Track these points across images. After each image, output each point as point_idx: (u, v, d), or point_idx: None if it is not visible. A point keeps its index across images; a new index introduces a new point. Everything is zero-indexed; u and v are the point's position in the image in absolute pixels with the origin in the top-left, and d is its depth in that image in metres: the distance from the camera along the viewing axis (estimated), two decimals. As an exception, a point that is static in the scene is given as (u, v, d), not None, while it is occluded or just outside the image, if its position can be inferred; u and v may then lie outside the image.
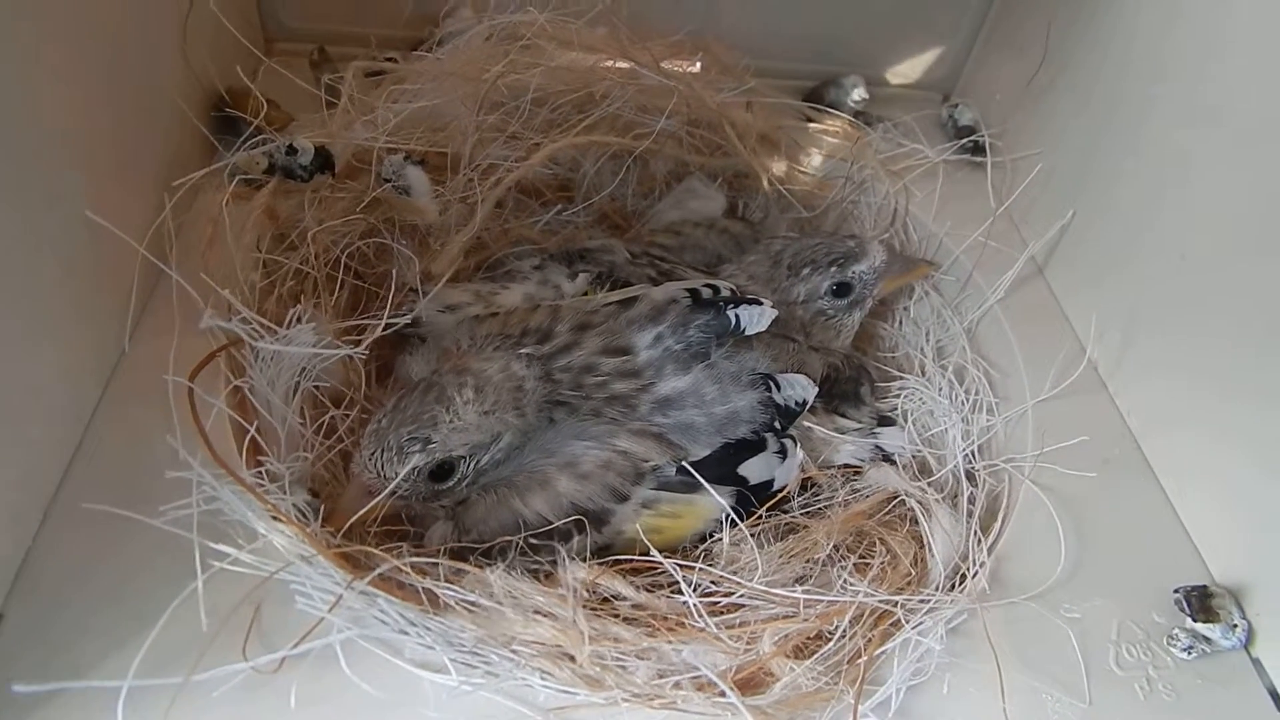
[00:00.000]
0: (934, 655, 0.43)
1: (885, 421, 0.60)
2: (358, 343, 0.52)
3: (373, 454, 0.46)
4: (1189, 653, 0.46)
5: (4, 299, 0.40)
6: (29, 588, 0.41)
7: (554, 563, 0.45)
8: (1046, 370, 0.58)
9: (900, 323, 0.70)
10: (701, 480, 0.48)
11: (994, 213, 0.65)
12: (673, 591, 0.45)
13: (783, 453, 0.52)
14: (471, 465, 0.48)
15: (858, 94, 0.79)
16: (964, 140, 0.75)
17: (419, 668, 0.39)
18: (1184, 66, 0.57)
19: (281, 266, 0.57)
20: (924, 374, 0.63)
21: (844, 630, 0.43)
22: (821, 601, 0.44)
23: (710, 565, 0.47)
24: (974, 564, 0.48)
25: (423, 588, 0.41)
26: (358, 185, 0.61)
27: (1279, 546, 0.48)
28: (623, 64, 0.68)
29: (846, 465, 0.57)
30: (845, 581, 0.46)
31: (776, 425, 0.52)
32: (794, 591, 0.45)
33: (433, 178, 0.63)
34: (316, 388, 0.53)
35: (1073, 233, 0.65)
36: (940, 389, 0.61)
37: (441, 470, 0.47)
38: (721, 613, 0.45)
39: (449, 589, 0.41)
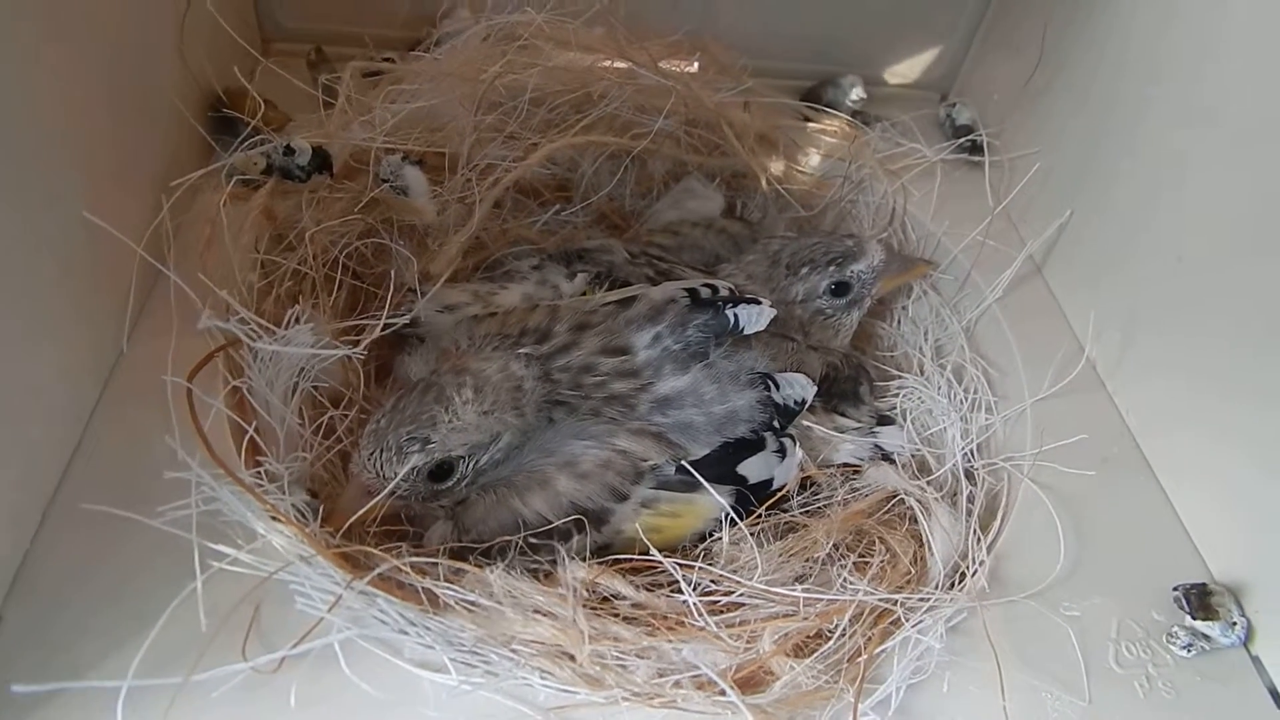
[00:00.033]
0: (934, 654, 0.43)
1: (884, 420, 0.61)
2: (356, 343, 0.51)
3: (372, 454, 0.46)
4: (1188, 650, 0.46)
5: (3, 299, 0.40)
6: (28, 588, 0.41)
7: (553, 562, 0.45)
8: (1045, 369, 0.58)
9: (899, 322, 0.70)
10: (701, 479, 0.48)
11: (992, 212, 0.65)
12: (672, 590, 0.45)
13: (782, 452, 0.52)
14: (471, 465, 0.47)
15: (856, 94, 0.79)
16: (962, 140, 0.75)
17: (419, 667, 0.39)
18: (1180, 67, 0.57)
19: (280, 267, 0.57)
20: (923, 373, 0.64)
21: (844, 629, 0.43)
22: (821, 600, 0.44)
23: (710, 564, 0.47)
24: (973, 562, 0.48)
25: (422, 587, 0.41)
26: (356, 185, 0.61)
27: (1278, 544, 0.48)
28: (620, 64, 0.68)
29: (846, 464, 0.57)
30: (845, 580, 0.46)
31: (775, 424, 0.52)
32: (794, 590, 0.45)
33: (431, 178, 0.63)
34: (315, 388, 0.52)
35: (1071, 232, 0.65)
36: (939, 388, 0.61)
37: (441, 470, 0.47)
38: (721, 612, 0.44)
39: (449, 589, 0.41)
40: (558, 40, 0.67)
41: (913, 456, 0.58)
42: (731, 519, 0.49)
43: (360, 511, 0.46)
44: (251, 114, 0.61)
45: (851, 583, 0.46)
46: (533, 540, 0.47)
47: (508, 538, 0.47)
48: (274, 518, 0.41)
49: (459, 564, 0.43)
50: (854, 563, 0.48)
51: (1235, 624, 0.47)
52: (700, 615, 0.43)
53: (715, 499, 0.48)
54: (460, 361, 0.50)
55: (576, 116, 0.67)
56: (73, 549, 0.42)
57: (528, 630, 0.40)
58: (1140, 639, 0.47)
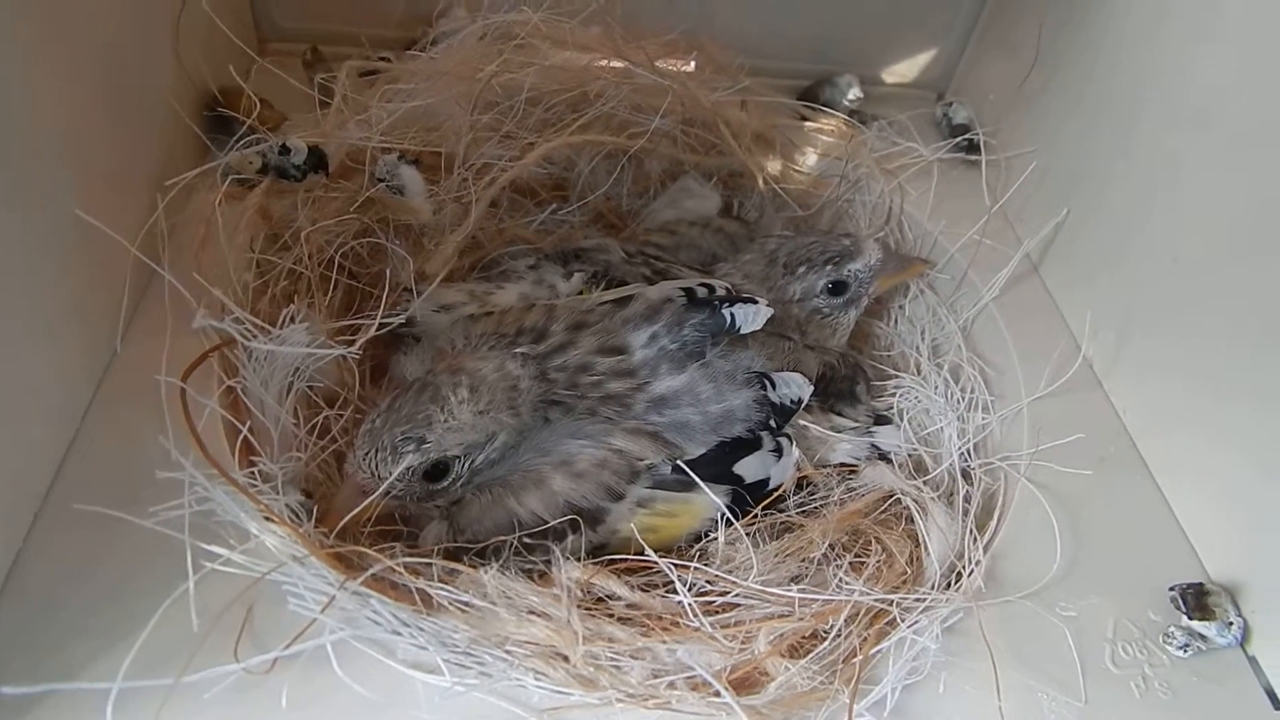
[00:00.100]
0: (929, 654, 0.43)
1: (881, 420, 0.60)
2: (351, 342, 0.51)
3: (367, 454, 0.46)
4: (1185, 650, 0.46)
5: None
6: (19, 589, 0.41)
7: (548, 562, 0.45)
8: (1042, 368, 0.58)
9: (896, 321, 0.70)
10: (697, 479, 0.48)
11: (989, 211, 0.65)
12: (668, 591, 0.45)
13: (778, 451, 0.52)
14: (466, 465, 0.47)
15: (853, 93, 0.79)
16: (959, 139, 0.75)
17: (412, 668, 0.39)
18: (1173, 69, 0.57)
19: (275, 266, 0.56)
20: (919, 372, 0.63)
21: (839, 629, 0.43)
22: (817, 600, 0.44)
23: (705, 564, 0.47)
24: (969, 562, 0.48)
25: (416, 588, 0.41)
26: (351, 185, 0.61)
27: (1275, 544, 0.48)
28: (617, 63, 0.68)
29: (842, 464, 0.57)
30: (841, 580, 0.46)
31: (772, 424, 0.52)
32: (789, 590, 0.45)
33: (427, 177, 0.63)
34: (310, 388, 0.52)
35: (1067, 230, 0.65)
36: (936, 387, 0.61)
37: (436, 470, 0.47)
38: (716, 612, 0.44)
39: (442, 589, 0.41)
40: (554, 39, 0.67)
41: (909, 456, 0.58)
42: (727, 519, 0.48)
43: (355, 511, 0.45)
44: (247, 113, 0.61)
45: (847, 583, 0.46)
46: (528, 540, 0.46)
47: (503, 538, 0.47)
48: (267, 518, 0.41)
49: (453, 564, 0.43)
50: (850, 563, 0.48)
51: (1232, 624, 0.47)
52: (695, 616, 0.42)
53: (711, 499, 0.48)
54: (456, 361, 0.50)
55: (573, 116, 0.67)
56: (65, 549, 0.42)
57: (521, 631, 0.40)
58: (1137, 639, 0.47)
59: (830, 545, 0.49)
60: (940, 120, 0.80)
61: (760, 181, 0.70)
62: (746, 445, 0.51)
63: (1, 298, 0.40)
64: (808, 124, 0.78)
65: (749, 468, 0.51)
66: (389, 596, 0.40)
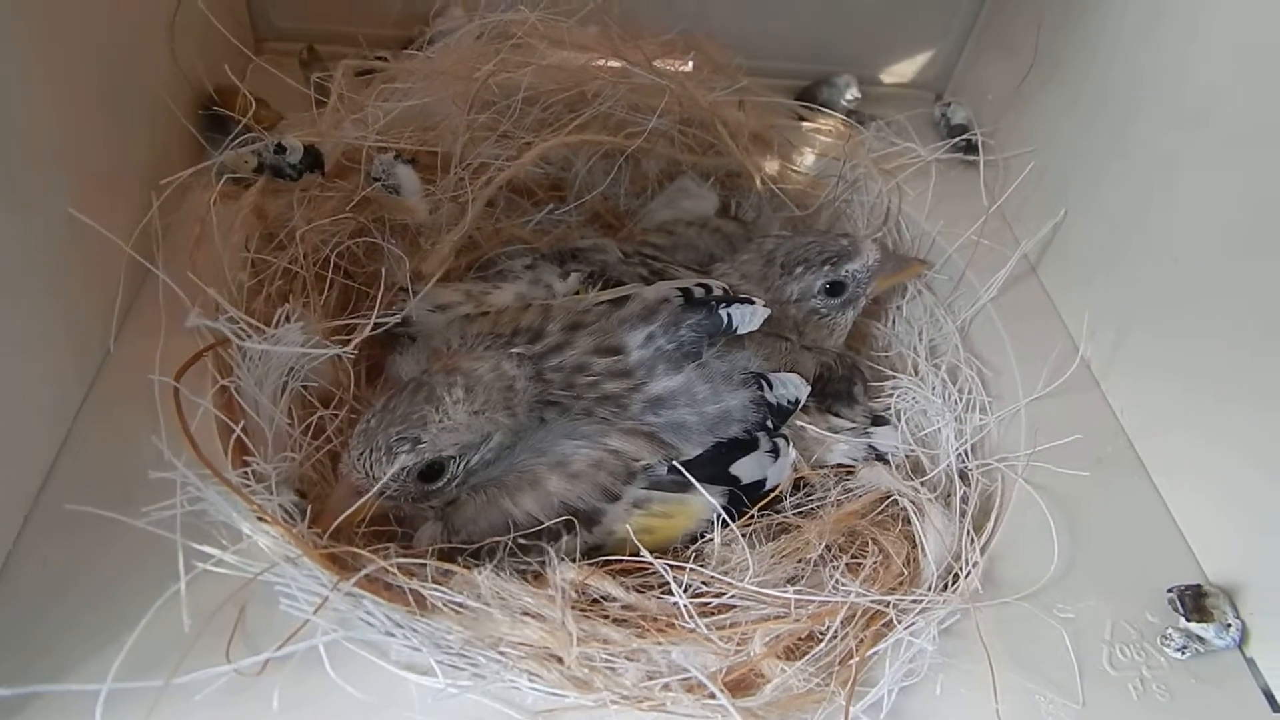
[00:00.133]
0: (926, 656, 0.43)
1: (878, 421, 0.60)
2: (346, 342, 0.51)
3: (361, 454, 0.46)
4: (1183, 652, 0.46)
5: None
6: (9, 590, 0.40)
7: (543, 563, 0.45)
8: (1039, 368, 0.58)
9: (893, 321, 0.69)
10: (693, 480, 0.48)
11: (986, 211, 0.65)
12: (663, 592, 0.45)
13: (775, 452, 0.52)
14: (461, 465, 0.47)
15: (850, 93, 0.78)
16: (956, 139, 0.75)
17: (405, 670, 0.39)
18: (1170, 69, 0.57)
19: (270, 266, 0.56)
20: (917, 373, 0.63)
21: (835, 631, 0.43)
22: (813, 602, 0.44)
23: (701, 565, 0.47)
24: (967, 564, 0.48)
25: (410, 589, 0.41)
26: (347, 184, 0.61)
27: (1273, 545, 0.47)
28: (614, 63, 0.68)
29: (839, 465, 0.56)
30: (837, 582, 0.46)
31: (769, 424, 0.52)
32: (785, 592, 0.44)
33: (423, 177, 0.62)
34: (305, 388, 0.52)
35: (1065, 231, 0.65)
36: (933, 388, 0.60)
37: (431, 470, 0.47)
38: (712, 613, 0.44)
39: (436, 590, 0.41)
40: (551, 39, 0.67)
41: (906, 457, 0.58)
42: (724, 520, 0.48)
43: (349, 512, 0.45)
44: (243, 112, 0.60)
45: (844, 584, 0.46)
46: (523, 541, 0.46)
47: (498, 539, 0.46)
48: (260, 518, 0.41)
49: (447, 565, 0.43)
50: (846, 564, 0.48)
51: (1230, 626, 0.46)
52: (691, 617, 0.42)
53: (707, 499, 0.48)
54: (451, 361, 0.50)
55: (570, 115, 0.67)
56: (56, 550, 0.42)
57: (516, 632, 0.40)
58: (1134, 641, 0.46)
59: (827, 546, 0.49)
60: (938, 120, 0.80)
61: (758, 181, 0.70)
62: (743, 446, 0.51)
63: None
64: (805, 124, 0.77)
65: (745, 468, 0.51)
66: (383, 597, 0.40)
